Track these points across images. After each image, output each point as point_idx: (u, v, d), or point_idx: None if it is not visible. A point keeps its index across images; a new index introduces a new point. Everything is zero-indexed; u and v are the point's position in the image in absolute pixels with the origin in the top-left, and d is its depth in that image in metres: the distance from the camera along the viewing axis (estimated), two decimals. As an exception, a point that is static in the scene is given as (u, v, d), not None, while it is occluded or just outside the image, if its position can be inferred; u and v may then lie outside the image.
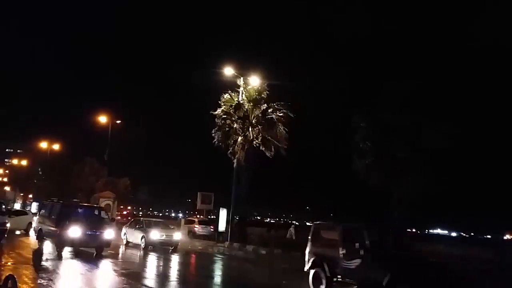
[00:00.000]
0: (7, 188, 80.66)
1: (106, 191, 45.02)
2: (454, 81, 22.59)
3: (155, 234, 22.57)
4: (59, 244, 17.31)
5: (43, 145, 61.45)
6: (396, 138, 20.97)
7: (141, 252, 21.59)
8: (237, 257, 22.73)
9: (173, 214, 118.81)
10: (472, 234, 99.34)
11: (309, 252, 12.85)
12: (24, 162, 76.12)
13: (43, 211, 20.90)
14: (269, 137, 26.42)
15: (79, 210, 19.56)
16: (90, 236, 17.47)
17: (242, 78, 27.36)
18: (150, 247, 22.27)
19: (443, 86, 21.49)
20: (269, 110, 26.77)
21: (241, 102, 27.05)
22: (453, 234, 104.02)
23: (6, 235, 20.08)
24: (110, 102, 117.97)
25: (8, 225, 20.48)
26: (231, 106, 26.98)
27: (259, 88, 27.12)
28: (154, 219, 28.32)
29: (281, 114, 26.58)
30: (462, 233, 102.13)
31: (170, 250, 22.37)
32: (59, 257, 16.43)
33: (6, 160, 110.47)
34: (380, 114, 21.65)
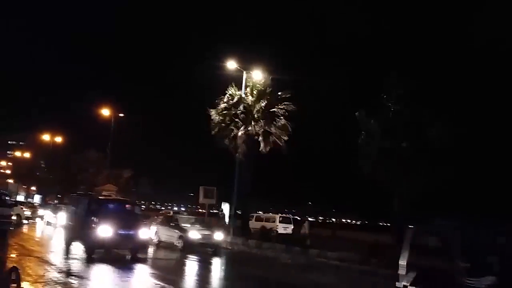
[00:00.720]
0: (10, 181, 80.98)
1: (108, 184, 45.04)
2: (457, 80, 22.51)
3: (194, 234, 19.91)
4: (88, 246, 15.28)
5: (46, 137, 61.66)
6: (399, 135, 20.90)
7: (179, 254, 18.99)
8: (256, 254, 21.88)
9: (175, 208, 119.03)
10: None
11: (406, 263, 9.78)
12: (27, 155, 76.35)
13: (69, 206, 19.28)
14: (272, 131, 26.39)
15: (110, 206, 16.70)
16: (123, 236, 15.19)
17: (245, 72, 27.30)
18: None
19: (446, 85, 21.39)
20: (271, 104, 26.73)
21: (243, 95, 26.98)
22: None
23: (12, 228, 20.58)
24: (112, 95, 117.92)
25: (14, 217, 21.27)
26: (233, 99, 26.93)
27: (263, 81, 27.09)
28: (187, 216, 25.79)
29: (283, 108, 26.54)
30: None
31: (211, 252, 19.93)
32: (88, 260, 14.62)
33: (8, 152, 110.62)
34: (383, 111, 21.58)
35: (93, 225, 14.96)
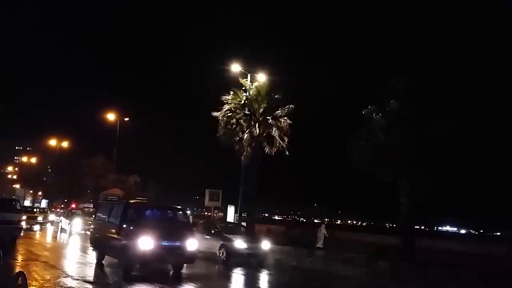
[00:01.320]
0: (16, 186, 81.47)
1: (115, 188, 45.23)
2: (459, 78, 22.42)
3: (240, 243, 17.86)
4: (125, 261, 12.86)
5: (52, 142, 62.05)
6: (402, 134, 20.82)
7: (222, 267, 16.98)
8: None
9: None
10: (481, 231, 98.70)
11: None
12: (33, 160, 76.78)
13: (100, 214, 16.39)
14: (275, 133, 26.40)
15: (150, 213, 14.45)
16: (167, 248, 12.87)
17: (249, 75, 27.37)
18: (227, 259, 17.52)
19: (448, 82, 21.27)
20: (275, 106, 26.78)
21: (246, 98, 27.03)
22: (462, 231, 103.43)
23: (21, 234, 20.02)
24: (117, 99, 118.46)
25: (23, 223, 20.38)
26: (237, 101, 27.00)
27: (265, 84, 27.14)
28: (230, 223, 24.37)
29: (286, 109, 26.58)
30: (471, 230, 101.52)
31: (255, 263, 17.54)
32: (125, 278, 12.31)
33: (15, 157, 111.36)
34: (386, 110, 21.50)
35: (130, 236, 12.78)
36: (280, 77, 28.11)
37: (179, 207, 16.70)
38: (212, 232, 19.16)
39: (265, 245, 18.69)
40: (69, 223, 29.50)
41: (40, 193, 68.81)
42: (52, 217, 40.54)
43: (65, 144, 61.24)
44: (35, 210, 37.23)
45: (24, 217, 25.86)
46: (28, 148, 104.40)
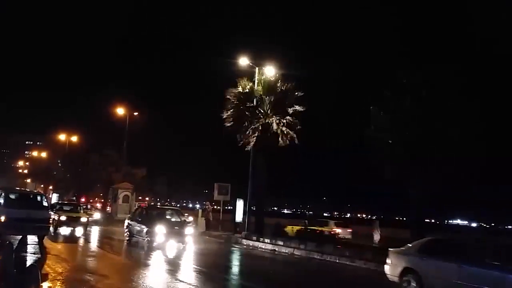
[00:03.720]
0: (27, 180, 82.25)
1: (125, 182, 45.45)
2: (467, 75, 21.99)
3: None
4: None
5: (62, 137, 62.46)
6: (411, 129, 20.65)
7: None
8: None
9: (190, 205, 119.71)
10: (492, 224, 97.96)
11: None
12: (43, 154, 77.40)
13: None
14: (283, 127, 26.31)
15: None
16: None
17: (257, 68, 27.28)
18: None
19: (457, 79, 20.93)
20: (283, 99, 26.66)
21: (255, 90, 26.93)
22: (473, 224, 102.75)
23: (47, 233, 18.40)
24: (127, 95, 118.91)
25: (50, 221, 18.81)
26: (245, 93, 26.94)
27: (274, 77, 27.02)
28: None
29: (294, 103, 26.45)
30: (482, 224, 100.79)
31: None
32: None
33: (26, 152, 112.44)
34: (395, 105, 21.32)
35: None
36: (289, 70, 27.92)
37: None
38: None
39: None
40: (146, 230, 19.17)
41: (50, 187, 69.32)
42: (97, 215, 36.68)
43: (74, 138, 61.63)
44: (79, 207, 28.75)
45: (63, 218, 24.17)
46: (38, 143, 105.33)
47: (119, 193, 42.68)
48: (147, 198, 66.31)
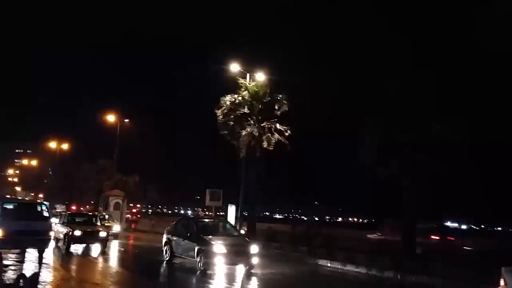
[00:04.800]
0: (17, 189, 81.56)
1: (116, 190, 45.25)
2: (465, 74, 22.30)
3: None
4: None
5: (52, 145, 62.13)
6: (403, 130, 20.86)
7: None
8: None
9: (182, 211, 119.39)
10: (482, 226, 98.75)
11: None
12: (34, 162, 76.88)
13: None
14: (274, 132, 26.59)
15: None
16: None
17: (248, 74, 27.54)
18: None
19: (454, 79, 21.25)
20: (273, 105, 26.96)
21: (245, 97, 27.15)
22: (463, 226, 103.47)
23: (48, 247, 16.16)
24: (117, 102, 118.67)
25: (51, 233, 16.52)
26: (236, 101, 27.12)
27: (262, 83, 27.28)
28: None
29: (285, 108, 26.76)
30: (472, 226, 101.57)
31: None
32: None
33: (16, 160, 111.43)
34: (386, 106, 21.57)
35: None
36: (280, 76, 28.15)
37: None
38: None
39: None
40: (198, 249, 15.31)
41: (41, 195, 68.81)
42: (117, 228, 30.31)
43: (65, 146, 61.31)
44: (94, 219, 22.97)
45: (78, 233, 19.41)
46: (28, 151, 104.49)
47: (110, 200, 42.35)
48: (138, 205, 65.99)
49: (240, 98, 27.16)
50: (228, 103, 26.94)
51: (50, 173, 69.48)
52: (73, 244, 19.82)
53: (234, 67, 27.29)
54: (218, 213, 37.54)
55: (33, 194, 72.76)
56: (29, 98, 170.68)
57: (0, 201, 16.55)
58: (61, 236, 20.22)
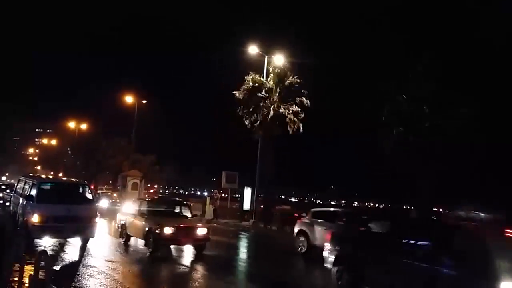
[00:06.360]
0: (38, 167, 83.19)
1: (133, 170, 45.80)
2: (483, 63, 21.92)
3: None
4: None
5: (71, 124, 62.95)
6: (421, 115, 20.64)
7: None
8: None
9: (198, 193, 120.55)
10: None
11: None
12: (53, 142, 78.10)
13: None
14: (291, 115, 26.57)
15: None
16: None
17: (266, 56, 27.47)
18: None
19: (472, 68, 20.92)
20: (292, 87, 26.89)
21: (264, 81, 27.13)
22: (482, 215, 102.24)
23: (94, 236, 13.28)
24: (137, 82, 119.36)
25: (97, 219, 13.46)
26: (255, 83, 27.11)
27: (283, 66, 27.20)
28: None
29: (303, 91, 26.71)
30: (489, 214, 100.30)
31: None
32: None
33: (36, 139, 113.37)
34: (406, 91, 21.34)
35: None
36: (299, 58, 28.02)
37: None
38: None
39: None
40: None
41: (60, 174, 70.06)
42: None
43: (84, 126, 62.09)
44: (181, 207, 15.82)
45: (168, 230, 12.80)
46: (48, 130, 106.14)
47: (128, 180, 42.93)
48: (155, 186, 66.79)
49: (260, 78, 27.19)
50: (250, 83, 26.97)
51: (69, 152, 70.53)
52: (163, 247, 13.52)
53: (252, 49, 27.33)
54: (234, 195, 37.74)
55: (52, 173, 74.16)
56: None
57: (36, 181, 14.01)
58: (139, 232, 14.00)
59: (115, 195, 48.01)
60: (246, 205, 29.27)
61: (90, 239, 13.50)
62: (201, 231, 13.65)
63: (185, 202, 17.17)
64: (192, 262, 12.90)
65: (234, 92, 27.05)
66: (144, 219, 13.98)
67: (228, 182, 32.18)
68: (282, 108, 26.60)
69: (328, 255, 10.03)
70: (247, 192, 29.35)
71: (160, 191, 72.84)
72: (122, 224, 15.40)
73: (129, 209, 15.69)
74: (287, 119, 26.46)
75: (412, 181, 22.05)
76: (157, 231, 13.03)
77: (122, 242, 15.00)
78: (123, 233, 15.24)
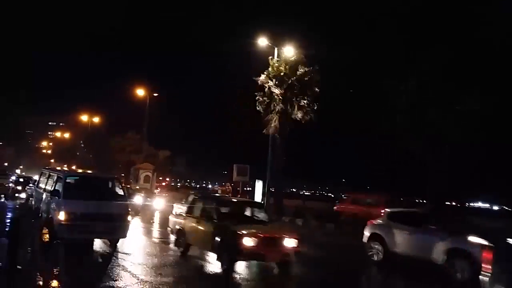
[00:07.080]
0: (51, 161, 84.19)
1: (145, 163, 46.12)
2: (491, 51, 21.63)
3: None
4: None
5: (84, 118, 63.53)
6: (432, 105, 20.54)
7: None
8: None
9: (209, 186, 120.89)
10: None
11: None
12: (66, 135, 78.92)
13: None
14: (302, 107, 26.57)
15: None
16: None
17: (276, 48, 27.36)
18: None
19: (480, 55, 20.66)
20: (302, 79, 26.84)
21: (274, 72, 27.11)
22: (495, 207, 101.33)
23: (125, 236, 12.11)
24: (147, 75, 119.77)
25: (130, 217, 12.26)
26: (267, 75, 27.12)
27: (294, 59, 27.10)
28: None
29: (313, 82, 26.67)
30: (504, 207, 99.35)
31: None
32: None
33: (49, 133, 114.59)
34: (416, 80, 21.24)
35: None
36: (310, 50, 27.78)
37: None
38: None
39: None
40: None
41: (73, 167, 70.88)
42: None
43: (96, 119, 62.60)
44: (257, 210, 12.56)
45: (250, 242, 9.72)
46: (61, 124, 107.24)
47: (140, 173, 43.25)
48: (167, 179, 67.17)
49: (270, 71, 27.16)
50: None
51: (82, 145, 71.20)
52: (241, 261, 10.60)
53: (262, 41, 27.19)
54: (245, 188, 37.83)
55: (66, 165, 75.05)
56: (61, 72, 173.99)
57: (61, 174, 12.86)
58: (205, 242, 11.10)
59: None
60: (258, 198, 29.32)
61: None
62: (289, 243, 10.35)
63: (259, 202, 14.22)
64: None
65: (256, 78, 26.92)
66: (212, 225, 10.90)
67: (240, 175, 32.23)
68: (294, 100, 26.56)
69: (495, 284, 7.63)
70: (259, 185, 29.39)
71: (172, 184, 73.22)
72: (179, 229, 12.42)
73: (187, 210, 12.92)
74: (299, 113, 26.41)
75: (424, 174, 21.95)
76: (235, 242, 9.88)
77: (180, 253, 12.09)
78: (181, 242, 12.24)
